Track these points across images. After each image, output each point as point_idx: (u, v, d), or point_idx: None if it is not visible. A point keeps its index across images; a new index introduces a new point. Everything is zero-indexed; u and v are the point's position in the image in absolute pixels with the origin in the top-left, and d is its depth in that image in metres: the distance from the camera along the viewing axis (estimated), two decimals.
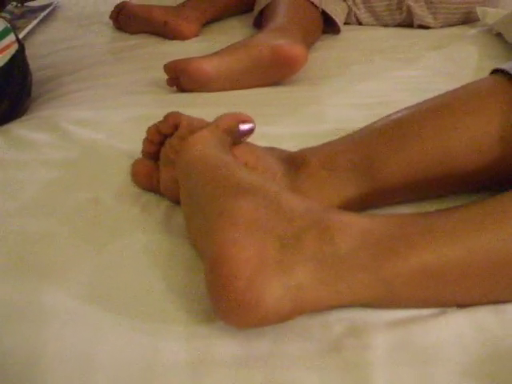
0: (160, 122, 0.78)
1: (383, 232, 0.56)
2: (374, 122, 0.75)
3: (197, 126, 0.73)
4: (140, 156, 0.83)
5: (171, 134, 0.76)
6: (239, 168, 0.64)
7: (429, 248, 0.55)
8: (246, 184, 0.60)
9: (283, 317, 0.54)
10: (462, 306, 0.58)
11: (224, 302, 0.54)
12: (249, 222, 0.55)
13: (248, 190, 0.59)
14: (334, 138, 0.76)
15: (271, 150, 0.75)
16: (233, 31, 1.49)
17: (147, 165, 0.81)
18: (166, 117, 0.77)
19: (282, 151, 0.75)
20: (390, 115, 0.75)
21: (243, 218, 0.56)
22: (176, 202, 0.75)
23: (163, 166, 0.77)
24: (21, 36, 1.49)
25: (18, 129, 1.01)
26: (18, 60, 1.11)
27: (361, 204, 0.71)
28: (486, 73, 0.78)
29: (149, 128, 0.80)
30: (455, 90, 0.74)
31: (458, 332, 0.56)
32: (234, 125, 0.71)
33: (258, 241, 0.54)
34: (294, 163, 0.72)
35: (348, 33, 1.45)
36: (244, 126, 0.71)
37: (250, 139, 0.74)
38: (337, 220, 0.56)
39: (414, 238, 0.56)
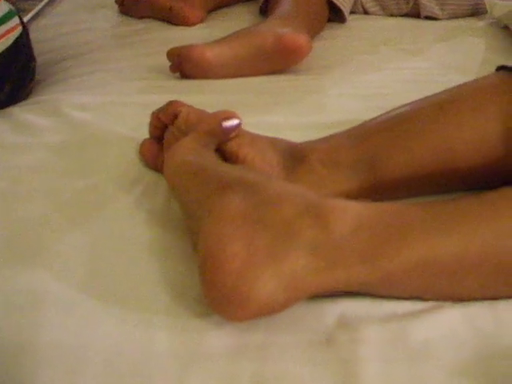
0: (160, 109, 0.78)
1: (378, 219, 0.56)
2: (375, 118, 0.75)
3: (194, 119, 0.74)
4: (145, 138, 0.84)
5: (172, 123, 0.76)
6: (220, 166, 0.65)
7: (423, 238, 0.55)
8: (229, 179, 0.60)
9: (278, 307, 0.54)
10: (458, 300, 0.58)
11: (216, 297, 0.54)
12: (235, 215, 0.55)
13: (232, 184, 0.59)
14: (335, 129, 0.76)
15: (273, 141, 0.74)
16: (238, 18, 1.48)
17: (153, 146, 0.82)
18: (166, 106, 0.78)
19: (284, 144, 0.75)
20: (391, 111, 0.75)
21: (230, 213, 0.56)
22: None
23: (166, 149, 0.77)
24: (26, 19, 1.49)
25: (20, 112, 1.01)
26: (22, 44, 1.11)
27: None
28: (491, 66, 0.77)
29: (152, 113, 0.80)
30: (459, 87, 0.74)
31: (452, 329, 0.56)
32: (216, 125, 0.70)
33: (246, 233, 0.54)
34: (294, 158, 0.72)
35: (354, 22, 1.43)
36: (227, 124, 0.70)
37: (253, 129, 0.74)
38: (330, 205, 0.56)
39: (408, 227, 0.55)
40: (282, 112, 0.97)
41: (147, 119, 0.82)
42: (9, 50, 1.06)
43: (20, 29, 1.11)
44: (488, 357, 0.53)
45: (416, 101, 0.74)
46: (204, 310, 0.58)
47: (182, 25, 1.45)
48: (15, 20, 1.09)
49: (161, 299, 0.61)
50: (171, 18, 1.47)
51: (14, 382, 0.53)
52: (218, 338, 0.56)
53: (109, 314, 0.59)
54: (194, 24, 1.46)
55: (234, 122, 0.71)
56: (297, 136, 0.77)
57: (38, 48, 1.19)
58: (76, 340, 0.57)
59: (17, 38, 1.09)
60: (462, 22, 1.43)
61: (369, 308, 0.58)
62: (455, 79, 0.76)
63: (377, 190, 0.71)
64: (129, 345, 0.56)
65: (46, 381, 0.53)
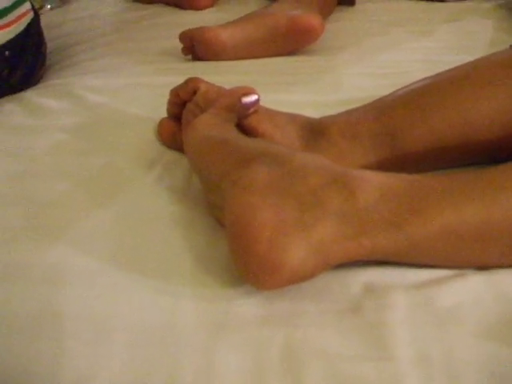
0: (180, 86, 0.79)
1: (402, 189, 0.56)
2: (395, 92, 0.75)
3: (213, 95, 0.74)
4: (163, 117, 0.84)
5: (191, 99, 0.77)
6: (243, 139, 0.65)
7: (447, 205, 0.55)
8: (253, 151, 0.60)
9: (308, 274, 0.54)
10: (481, 267, 0.58)
11: (248, 267, 0.54)
12: (263, 185, 0.55)
13: (257, 155, 0.59)
14: (352, 106, 0.76)
15: (292, 117, 0.74)
16: (248, 2, 1.47)
17: (171, 124, 0.82)
18: (186, 82, 0.78)
19: (303, 118, 0.75)
20: (410, 85, 0.75)
21: (257, 182, 0.56)
22: None
23: (184, 126, 0.77)
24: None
25: (33, 96, 1.01)
26: (33, 29, 1.11)
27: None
28: (500, 46, 0.78)
29: (171, 90, 0.81)
30: (476, 61, 0.74)
31: (477, 295, 0.56)
32: (235, 100, 0.70)
33: (274, 202, 0.54)
34: (314, 131, 0.72)
35: (363, 5, 1.43)
36: (246, 99, 0.70)
37: (271, 107, 0.74)
38: (355, 176, 0.57)
39: (432, 196, 0.56)
40: (299, 91, 0.97)
41: (162, 100, 0.83)
42: (21, 35, 1.06)
43: (32, 14, 1.11)
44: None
45: (433, 75, 0.74)
46: (230, 280, 0.59)
47: (192, 9, 1.45)
48: (27, 5, 1.10)
49: (186, 269, 0.61)
50: (181, 3, 1.47)
51: (39, 353, 0.54)
52: (246, 307, 0.56)
53: (134, 285, 0.60)
54: (204, 8, 1.46)
55: (253, 97, 0.71)
56: (315, 113, 0.77)
57: (47, 34, 1.20)
58: (101, 310, 0.57)
59: (29, 23, 1.09)
60: (470, 4, 1.43)
61: (394, 276, 0.58)
62: (465, 59, 0.76)
63: (396, 163, 0.71)
64: (154, 315, 0.57)
65: (71, 351, 0.53)
